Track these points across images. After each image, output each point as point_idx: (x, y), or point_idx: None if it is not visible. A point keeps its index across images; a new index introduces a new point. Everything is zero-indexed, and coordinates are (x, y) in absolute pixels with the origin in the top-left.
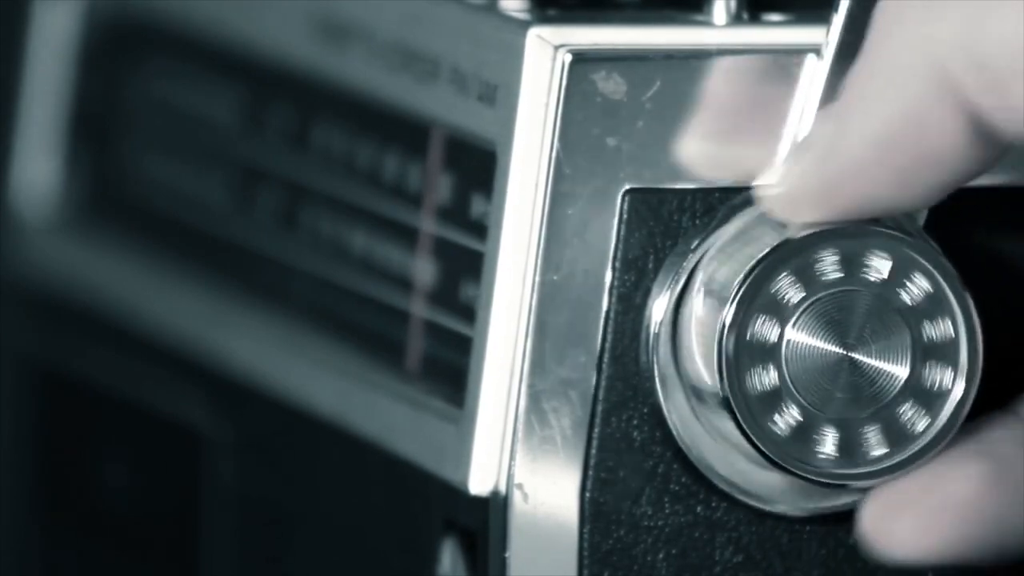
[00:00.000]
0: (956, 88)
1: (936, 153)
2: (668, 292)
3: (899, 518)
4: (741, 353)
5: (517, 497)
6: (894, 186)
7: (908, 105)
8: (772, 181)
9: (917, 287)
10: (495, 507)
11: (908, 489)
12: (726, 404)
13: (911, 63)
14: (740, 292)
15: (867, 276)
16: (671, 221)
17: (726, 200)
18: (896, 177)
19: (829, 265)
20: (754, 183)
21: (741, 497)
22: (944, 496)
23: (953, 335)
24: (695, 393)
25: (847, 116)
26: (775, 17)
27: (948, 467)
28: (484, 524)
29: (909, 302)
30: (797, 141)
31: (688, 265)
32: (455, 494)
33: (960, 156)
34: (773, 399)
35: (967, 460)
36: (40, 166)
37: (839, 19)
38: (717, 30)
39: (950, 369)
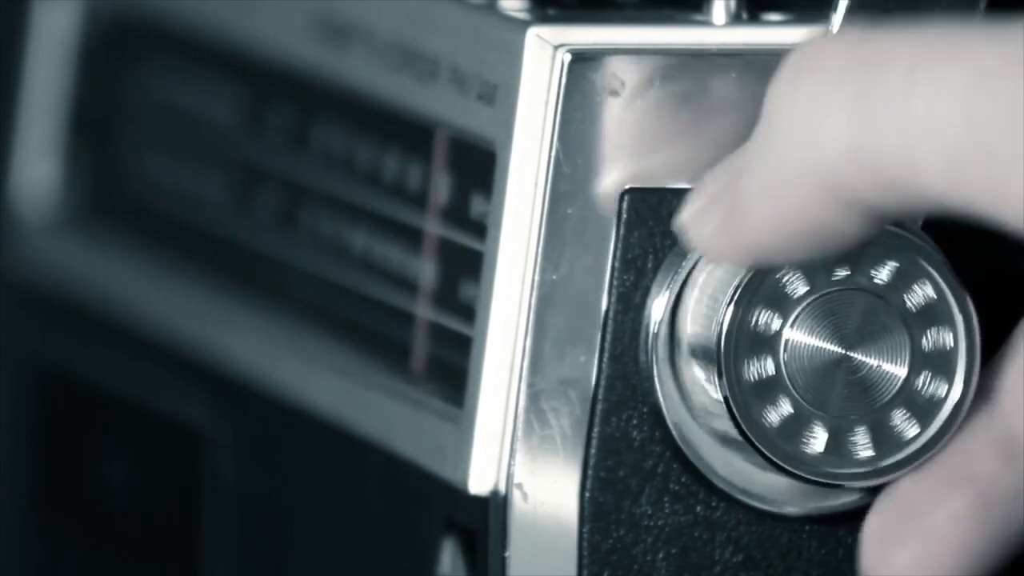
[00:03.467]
0: (851, 193)
1: (834, 234)
2: (667, 292)
3: (896, 555)
4: (740, 343)
5: (517, 497)
6: (789, 250)
7: (800, 208)
8: (686, 216)
9: (921, 294)
10: (495, 507)
11: (901, 523)
12: (723, 396)
13: (801, 170)
14: (744, 281)
15: (873, 278)
16: (671, 221)
17: None
18: (800, 248)
19: (835, 261)
20: None
21: (741, 497)
22: (934, 531)
23: (952, 345)
24: (693, 392)
25: (744, 205)
26: (775, 17)
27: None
28: (484, 524)
29: (912, 308)
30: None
31: (688, 265)
32: (455, 494)
33: (856, 230)
34: (768, 391)
35: (953, 491)
36: (40, 166)
37: (839, 19)
38: (717, 30)
39: (946, 379)
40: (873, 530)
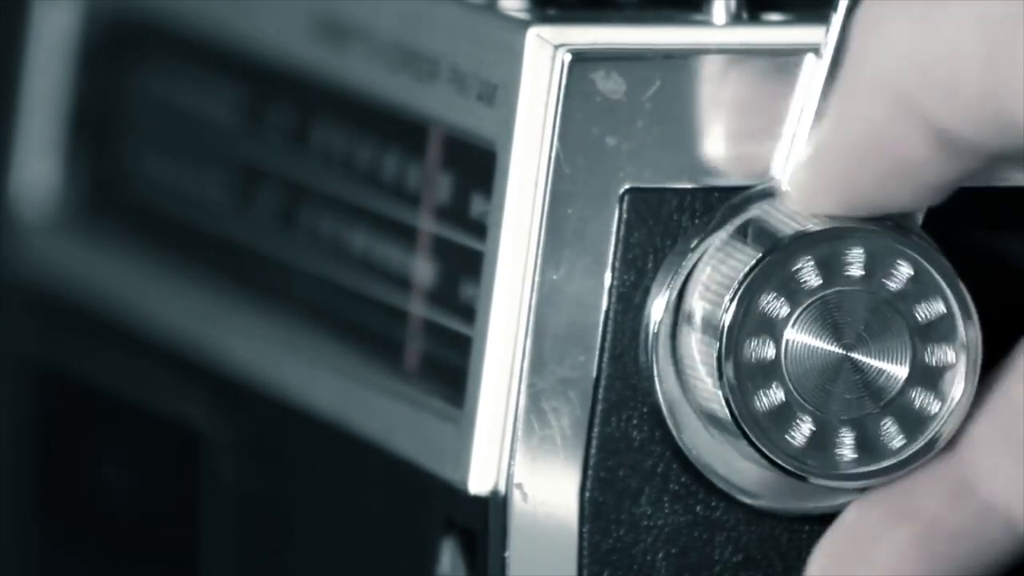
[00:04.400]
0: (913, 104)
1: (910, 164)
2: (667, 292)
3: None
4: (745, 321)
5: (517, 497)
6: (882, 190)
7: (872, 126)
8: (787, 172)
9: (931, 308)
10: (495, 507)
11: (847, 554)
12: (719, 371)
13: (870, 86)
14: (760, 265)
15: (886, 283)
16: (671, 221)
17: (726, 200)
18: (880, 183)
19: (808, 273)
20: (753, 183)
21: (740, 497)
22: (879, 563)
23: (953, 364)
24: (693, 392)
25: (827, 131)
26: (774, 17)
27: (880, 531)
28: (484, 524)
29: (919, 320)
30: (799, 138)
31: (688, 265)
32: (455, 494)
33: (935, 165)
34: (764, 375)
35: (898, 524)
36: (40, 166)
37: (839, 19)
38: (717, 30)
39: (940, 396)
40: (820, 562)
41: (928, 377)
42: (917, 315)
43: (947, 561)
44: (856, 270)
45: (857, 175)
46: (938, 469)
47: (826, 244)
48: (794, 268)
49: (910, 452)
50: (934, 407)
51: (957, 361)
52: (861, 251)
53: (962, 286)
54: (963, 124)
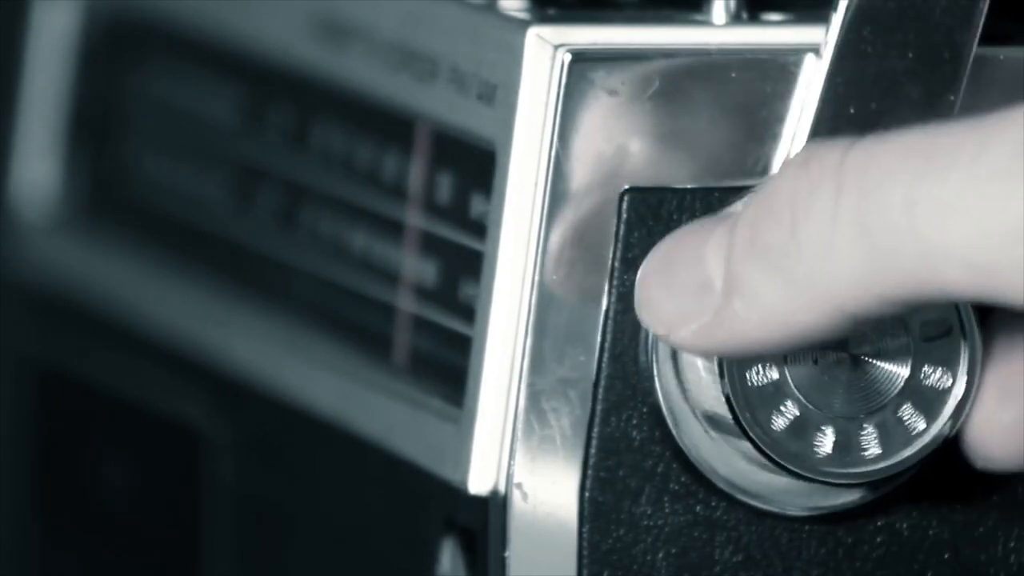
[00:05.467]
0: (859, 308)
1: (827, 334)
2: None
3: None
4: (742, 366)
5: (516, 497)
6: (789, 348)
7: (803, 321)
8: (658, 313)
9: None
10: (494, 507)
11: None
12: (727, 402)
13: (811, 294)
14: None
15: None
16: (671, 221)
17: (726, 200)
18: (790, 346)
19: None
20: (754, 183)
21: (740, 496)
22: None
23: (953, 333)
24: (693, 392)
25: (742, 315)
26: (774, 17)
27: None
28: (483, 524)
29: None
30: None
31: None
32: (455, 494)
33: (851, 329)
34: (774, 396)
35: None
36: (40, 166)
37: (839, 19)
38: (716, 30)
39: (950, 369)
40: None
41: (932, 354)
42: (923, 330)
43: None
44: None
45: (762, 339)
46: None
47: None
48: None
49: (934, 432)
50: (946, 380)
51: (954, 332)
52: None
53: (972, 311)
54: (912, 307)
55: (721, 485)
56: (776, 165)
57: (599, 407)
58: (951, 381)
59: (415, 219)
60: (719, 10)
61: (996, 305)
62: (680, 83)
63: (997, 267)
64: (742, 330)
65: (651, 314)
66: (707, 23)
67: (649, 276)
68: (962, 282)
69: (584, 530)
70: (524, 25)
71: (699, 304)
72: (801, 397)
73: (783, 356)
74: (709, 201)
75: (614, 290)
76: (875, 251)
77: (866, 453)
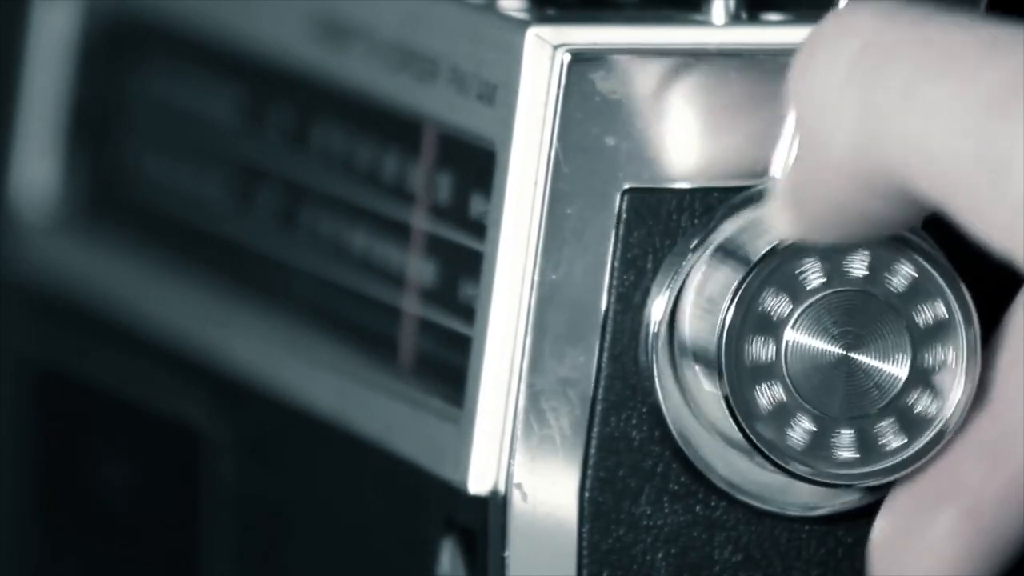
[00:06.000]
0: (869, 181)
1: (876, 220)
2: (667, 292)
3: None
4: (746, 320)
5: (516, 496)
6: (851, 231)
7: (839, 196)
8: (773, 199)
9: (931, 310)
10: (494, 507)
11: (901, 537)
12: (719, 371)
13: (825, 167)
14: (733, 302)
15: (888, 284)
16: (670, 221)
17: (725, 200)
18: (858, 229)
19: (811, 272)
20: (753, 183)
21: (740, 496)
22: (932, 547)
23: (953, 366)
24: (693, 392)
25: (797, 198)
26: (774, 17)
27: (928, 513)
28: (483, 524)
29: (920, 322)
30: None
31: (687, 265)
32: (454, 493)
33: (901, 219)
34: (764, 374)
35: (943, 504)
36: (40, 166)
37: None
38: (716, 30)
39: (940, 398)
40: (876, 555)
41: (928, 378)
42: (917, 317)
43: (995, 532)
44: (859, 270)
45: (834, 223)
46: (975, 435)
47: (830, 246)
48: (798, 267)
49: (909, 453)
50: (933, 408)
51: (956, 363)
52: (866, 251)
53: (963, 288)
54: (927, 207)
55: (721, 485)
56: (776, 165)
57: (599, 407)
58: (940, 405)
59: (415, 219)
60: (719, 10)
61: (958, 224)
62: (680, 83)
63: (959, 186)
64: (809, 216)
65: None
66: (707, 23)
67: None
68: (927, 187)
69: (584, 530)
70: (524, 25)
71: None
72: (793, 389)
73: (785, 351)
74: (709, 201)
75: (614, 290)
76: (869, 121)
77: (842, 456)
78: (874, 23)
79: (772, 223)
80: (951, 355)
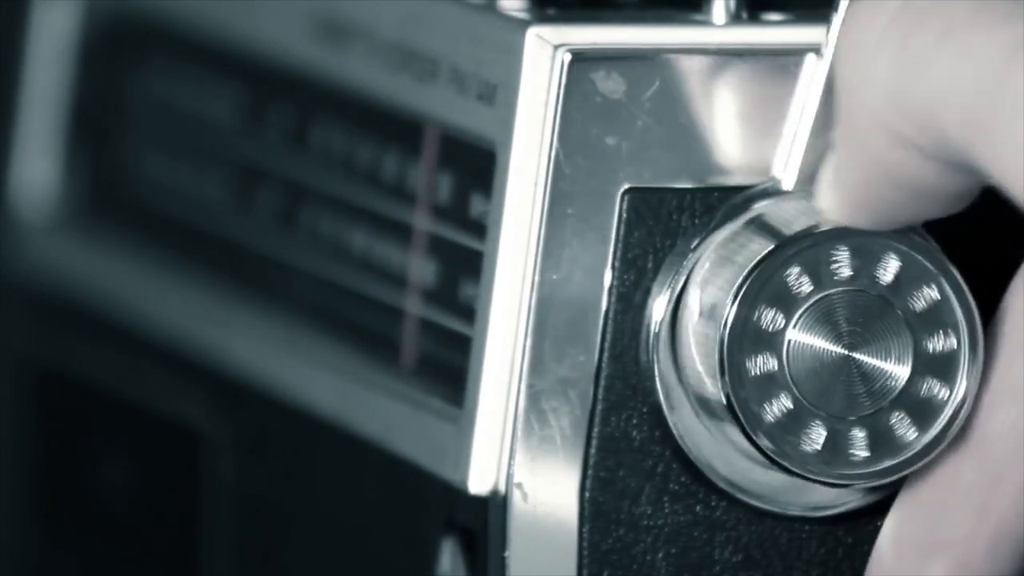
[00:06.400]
0: (906, 139)
1: (922, 185)
2: (668, 291)
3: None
4: (744, 338)
5: (516, 496)
6: (906, 207)
7: (877, 157)
8: (820, 186)
9: (925, 296)
10: (495, 507)
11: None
12: (724, 390)
13: (864, 125)
14: (750, 278)
15: (877, 279)
16: (671, 221)
17: (726, 200)
18: (902, 202)
19: (841, 262)
20: (753, 183)
21: (741, 496)
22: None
23: (955, 348)
24: (694, 392)
25: (841, 162)
26: (775, 17)
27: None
28: (484, 524)
29: (916, 310)
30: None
31: (688, 265)
32: (455, 493)
33: (946, 183)
34: (769, 387)
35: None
36: (40, 166)
37: (839, 19)
38: (716, 30)
39: (947, 382)
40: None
41: (932, 366)
42: (912, 305)
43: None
44: (845, 270)
45: (876, 195)
46: (961, 481)
47: (809, 250)
48: (783, 277)
49: (924, 443)
50: (942, 394)
51: (959, 345)
52: (846, 250)
53: (953, 269)
54: (953, 158)
55: (721, 485)
56: (776, 165)
57: (599, 407)
58: (949, 389)
59: (415, 219)
60: (719, 10)
61: (984, 176)
62: (680, 83)
63: (982, 127)
64: (849, 185)
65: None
66: (707, 23)
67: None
68: (955, 132)
69: (584, 530)
70: (524, 25)
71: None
72: (800, 396)
73: (787, 360)
74: (709, 201)
75: (614, 290)
76: (905, 66)
77: (857, 456)
78: None
79: (819, 210)
80: (952, 337)
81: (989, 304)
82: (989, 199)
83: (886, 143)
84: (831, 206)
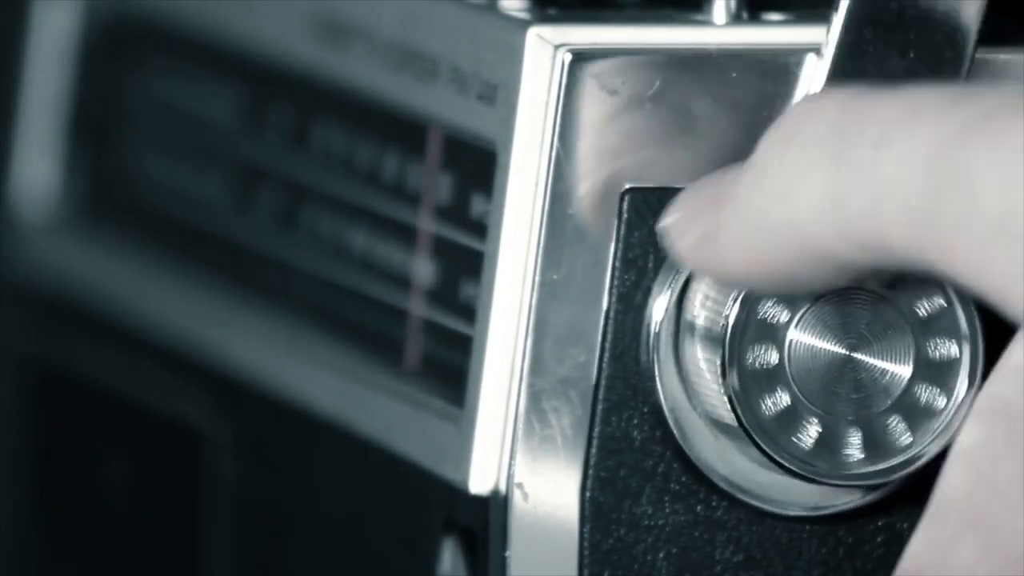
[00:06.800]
0: (822, 247)
1: (804, 281)
2: (668, 291)
3: None
4: (747, 330)
5: (517, 496)
6: (770, 290)
7: (774, 257)
8: (668, 222)
9: (930, 302)
10: (495, 506)
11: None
12: (723, 380)
13: (778, 224)
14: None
15: (885, 281)
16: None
17: None
18: (770, 287)
19: None
20: None
21: (741, 496)
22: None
23: (956, 357)
24: (695, 392)
25: (723, 239)
26: (775, 16)
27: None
28: (484, 523)
29: (920, 316)
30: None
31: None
32: (455, 493)
33: (829, 280)
34: (769, 381)
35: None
36: (40, 166)
37: (839, 19)
38: (717, 29)
39: (945, 390)
40: None
41: (932, 372)
42: (917, 310)
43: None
44: (890, 280)
45: (742, 270)
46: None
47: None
48: None
49: (918, 449)
50: (940, 401)
51: (960, 354)
52: None
53: (981, 340)
54: (870, 264)
55: (722, 485)
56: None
57: (600, 407)
58: (947, 397)
59: (416, 219)
60: (719, 10)
61: (941, 278)
62: (680, 83)
63: (934, 223)
64: (730, 245)
65: (667, 219)
66: (707, 23)
67: (684, 194)
68: (902, 235)
69: (585, 530)
70: (524, 25)
71: (703, 213)
72: (798, 392)
73: (788, 356)
74: None
75: (614, 290)
76: (840, 181)
77: (850, 456)
78: (847, 95)
79: (673, 244)
80: (953, 346)
81: (993, 318)
82: None
83: (795, 253)
84: (687, 253)
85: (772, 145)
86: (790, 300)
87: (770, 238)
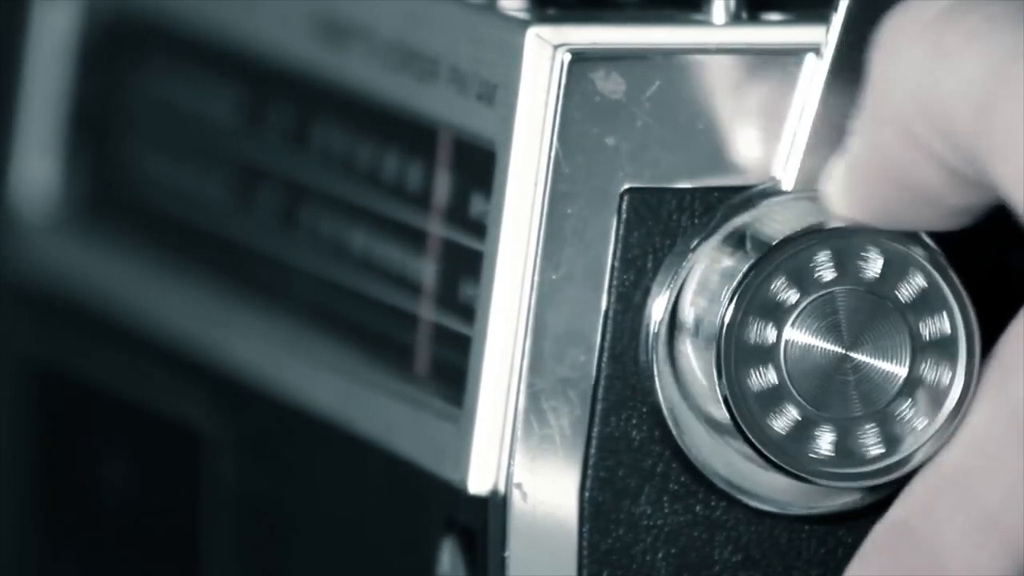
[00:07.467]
0: (918, 138)
1: (929, 191)
2: (667, 291)
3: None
4: (739, 357)
5: (516, 496)
6: (908, 211)
7: (889, 153)
8: (828, 180)
9: (912, 284)
10: (494, 506)
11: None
12: (725, 404)
13: (884, 117)
14: (736, 294)
15: (862, 275)
16: (670, 221)
17: (725, 200)
18: (906, 205)
19: (823, 266)
20: (753, 183)
21: (740, 496)
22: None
23: (950, 330)
24: (696, 393)
25: (856, 152)
26: (774, 16)
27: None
28: (483, 523)
29: (905, 299)
30: (800, 138)
31: (687, 265)
32: (454, 493)
33: (953, 194)
34: (773, 400)
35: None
36: (40, 166)
37: (839, 19)
38: (716, 29)
39: (949, 365)
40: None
41: (931, 351)
42: (922, 329)
43: None
44: (871, 272)
45: (884, 196)
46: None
47: (846, 240)
48: (812, 258)
49: (936, 428)
50: (946, 377)
51: (954, 327)
52: (879, 254)
53: (971, 309)
54: (961, 164)
55: (721, 485)
56: (776, 165)
57: (599, 407)
58: (951, 371)
59: (415, 219)
60: (719, 10)
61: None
62: (680, 83)
63: (986, 130)
64: (859, 182)
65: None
66: (707, 23)
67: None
68: (962, 132)
69: (584, 530)
70: (524, 25)
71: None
72: (799, 398)
73: (782, 356)
74: (709, 201)
75: (614, 290)
76: (936, 62)
77: (866, 454)
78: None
79: (829, 207)
80: (948, 374)
81: (984, 300)
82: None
83: (902, 142)
84: (838, 201)
85: (880, 46)
86: (774, 316)
87: (881, 134)
